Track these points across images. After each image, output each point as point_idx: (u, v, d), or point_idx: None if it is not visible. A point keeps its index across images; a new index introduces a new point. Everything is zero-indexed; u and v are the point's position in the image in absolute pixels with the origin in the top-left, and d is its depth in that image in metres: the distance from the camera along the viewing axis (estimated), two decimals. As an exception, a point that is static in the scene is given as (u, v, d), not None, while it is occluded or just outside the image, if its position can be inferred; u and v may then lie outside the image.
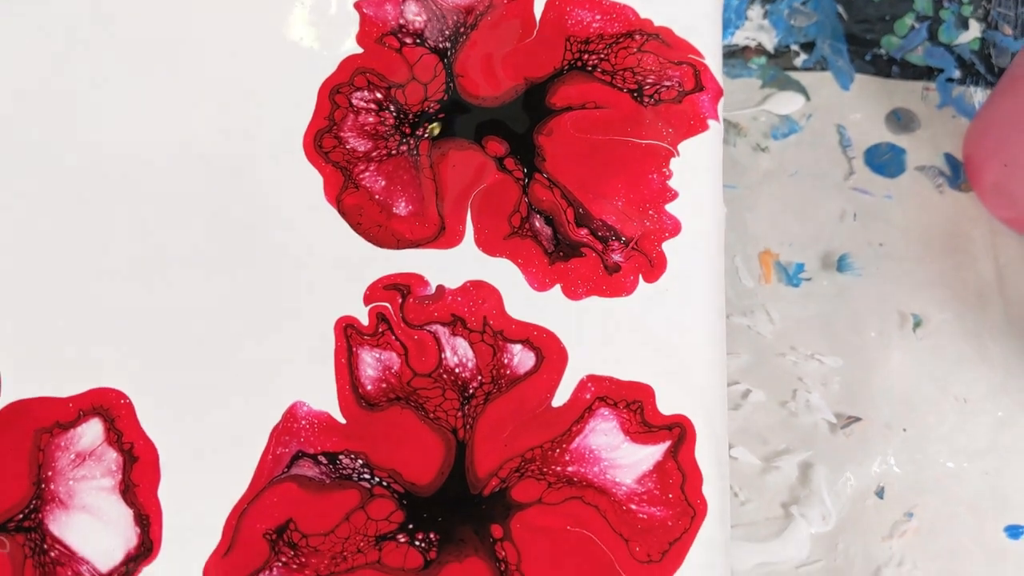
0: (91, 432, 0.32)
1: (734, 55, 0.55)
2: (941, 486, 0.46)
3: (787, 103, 0.55)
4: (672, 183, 0.37)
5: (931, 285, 0.50)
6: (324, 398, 0.33)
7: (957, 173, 0.54)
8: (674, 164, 0.37)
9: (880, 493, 0.46)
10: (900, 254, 0.51)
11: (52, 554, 0.31)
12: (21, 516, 0.31)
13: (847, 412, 0.47)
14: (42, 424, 0.32)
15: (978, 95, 0.56)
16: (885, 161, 0.54)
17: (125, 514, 0.31)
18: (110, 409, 0.33)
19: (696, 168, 0.38)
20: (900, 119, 0.55)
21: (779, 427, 0.46)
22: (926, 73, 0.56)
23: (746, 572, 0.43)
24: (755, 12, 0.56)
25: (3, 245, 0.35)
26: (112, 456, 0.32)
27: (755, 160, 0.52)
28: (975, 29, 0.57)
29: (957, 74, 0.57)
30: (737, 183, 0.50)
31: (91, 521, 0.31)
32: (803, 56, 0.56)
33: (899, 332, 0.49)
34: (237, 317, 0.34)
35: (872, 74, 0.56)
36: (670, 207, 0.37)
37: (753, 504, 0.44)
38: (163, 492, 0.32)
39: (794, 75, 0.56)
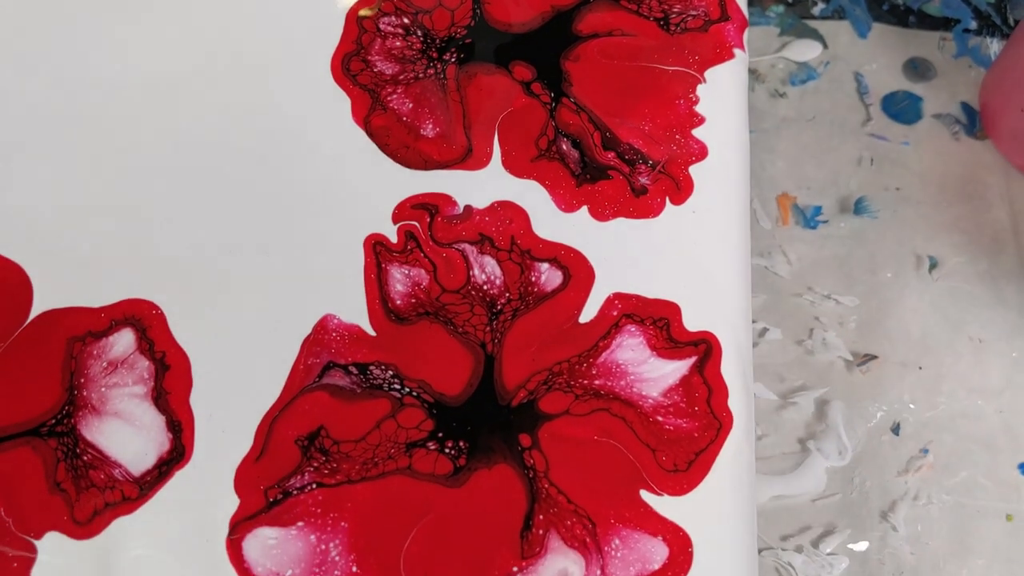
0: (123, 341, 0.33)
1: (752, 3, 0.55)
2: (956, 424, 0.46)
3: (805, 51, 0.55)
4: (699, 108, 0.37)
5: (947, 229, 0.50)
6: (354, 312, 0.33)
7: (973, 121, 0.54)
8: (700, 90, 0.38)
9: (896, 429, 0.46)
10: (916, 198, 0.51)
11: (85, 458, 0.31)
12: (54, 421, 0.31)
13: (863, 351, 0.47)
14: (74, 333, 0.33)
15: (994, 46, 0.56)
16: (902, 108, 0.54)
17: (157, 420, 0.31)
18: (142, 319, 0.33)
19: (722, 95, 0.38)
20: (917, 68, 0.55)
21: (796, 364, 0.46)
22: (943, 23, 0.56)
23: (763, 504, 0.44)
24: (773, -39, 0.56)
25: (36, 159, 0.35)
26: (144, 364, 0.32)
27: (773, 106, 0.52)
28: (992, -19, 0.58)
29: (974, 25, 0.57)
30: (755, 128, 0.50)
31: (124, 426, 0.31)
32: (821, 5, 0.56)
33: (915, 273, 0.49)
34: (267, 234, 0.35)
35: (889, 23, 0.56)
36: (697, 132, 0.37)
37: (770, 439, 0.45)
38: (195, 399, 0.32)
39: (812, 23, 0.56)
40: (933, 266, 0.50)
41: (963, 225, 0.50)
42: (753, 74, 0.53)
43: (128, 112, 0.36)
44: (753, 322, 0.47)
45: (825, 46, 0.55)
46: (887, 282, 0.49)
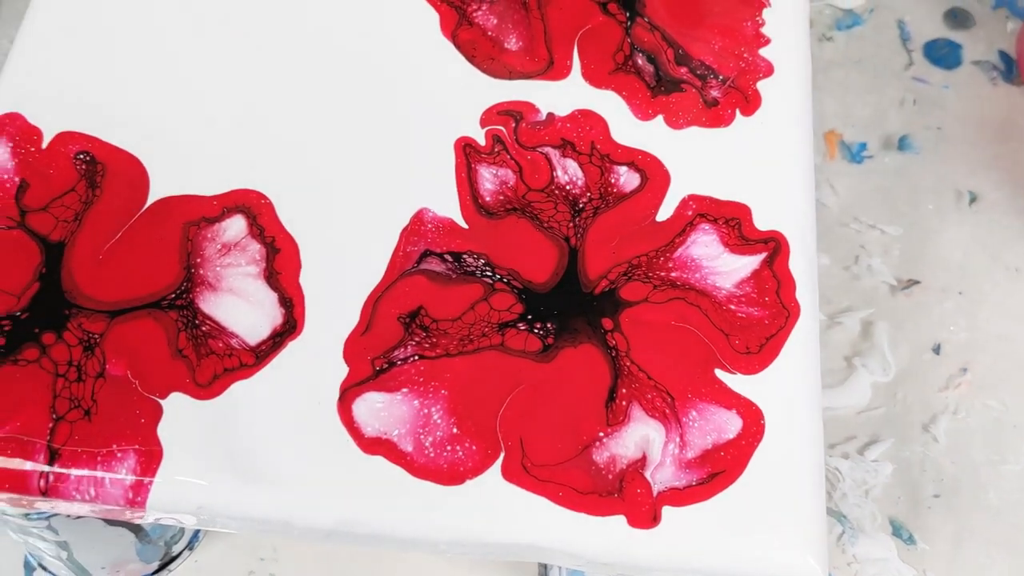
0: (235, 226, 0.35)
1: (800, -47, 0.57)
2: (993, 345, 0.49)
3: (850, -2, 0.58)
4: (764, 30, 0.40)
5: (985, 167, 0.53)
6: (447, 206, 0.36)
7: (1010, 68, 0.57)
8: (766, 14, 0.40)
9: (936, 349, 0.49)
10: (956, 137, 0.54)
11: (204, 328, 0.33)
12: (174, 296, 0.34)
13: (906, 276, 0.50)
14: (189, 218, 0.35)
15: (1031, -1, 0.59)
16: (943, 55, 0.57)
17: (270, 296, 0.34)
18: (251, 207, 0.35)
19: (786, 18, 0.40)
20: (957, 17, 0.58)
21: (842, 288, 0.49)
22: (982, -25, 0.59)
23: (811, 414, 0.47)
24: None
25: (156, 64, 0.38)
26: (256, 247, 0.35)
27: (821, 49, 0.55)
28: (1030, -63, 0.60)
29: (1012, -23, 0.59)
30: (803, 69, 0.53)
31: (238, 302, 0.34)
32: (865, -44, 0.59)
33: (955, 206, 0.52)
34: (366, 135, 0.37)
35: (931, -25, 0.59)
36: (763, 51, 0.39)
37: (817, 356, 0.47)
38: (304, 279, 0.34)
39: (857, -27, 0.58)
40: (973, 200, 0.52)
41: (1001, 163, 0.53)
42: (801, 19, 0.55)
43: (242, 26, 0.38)
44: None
45: (869, -6, 0.58)
46: (928, 214, 0.51)
